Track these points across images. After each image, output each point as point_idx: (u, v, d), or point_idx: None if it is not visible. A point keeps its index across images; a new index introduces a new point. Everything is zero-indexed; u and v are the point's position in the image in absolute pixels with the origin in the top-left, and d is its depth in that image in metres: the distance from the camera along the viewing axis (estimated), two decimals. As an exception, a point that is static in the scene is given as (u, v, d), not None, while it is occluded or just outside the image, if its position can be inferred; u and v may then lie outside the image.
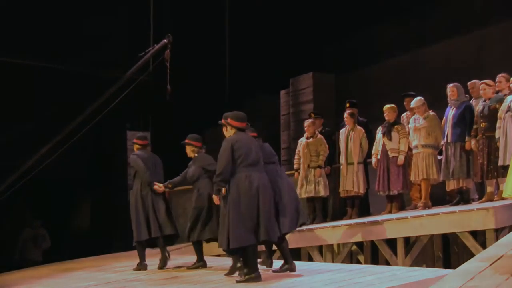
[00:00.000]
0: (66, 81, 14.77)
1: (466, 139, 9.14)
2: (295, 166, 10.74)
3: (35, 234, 14.47)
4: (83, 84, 14.55)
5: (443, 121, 9.49)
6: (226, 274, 7.40)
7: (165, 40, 11.87)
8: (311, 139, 10.58)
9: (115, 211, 15.01)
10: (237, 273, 7.07)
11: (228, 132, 6.95)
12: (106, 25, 15.04)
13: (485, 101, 9.03)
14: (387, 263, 8.99)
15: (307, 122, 10.72)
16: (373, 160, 10.09)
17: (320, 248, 9.83)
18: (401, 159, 9.76)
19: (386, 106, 10.05)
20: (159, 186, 8.59)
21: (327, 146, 10.58)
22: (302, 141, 10.69)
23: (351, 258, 10.06)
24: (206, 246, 8.57)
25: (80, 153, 14.23)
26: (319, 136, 10.65)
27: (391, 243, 9.07)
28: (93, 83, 14.18)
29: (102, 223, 15.72)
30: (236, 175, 6.68)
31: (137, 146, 8.97)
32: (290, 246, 9.78)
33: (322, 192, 10.42)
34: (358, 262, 10.03)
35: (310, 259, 9.89)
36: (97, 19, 14.94)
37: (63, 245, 15.01)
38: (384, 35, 12.70)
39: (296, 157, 10.76)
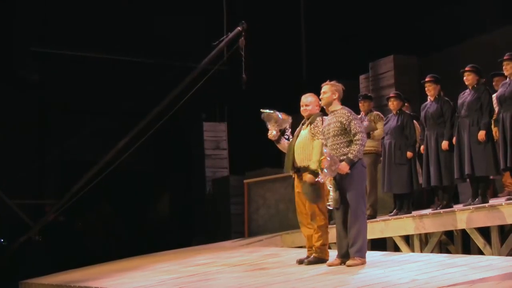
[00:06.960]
0: (142, 73, 14.78)
1: None
2: None
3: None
4: (158, 75, 14.52)
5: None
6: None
7: (239, 28, 11.61)
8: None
9: (193, 204, 14.89)
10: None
11: None
12: (179, 16, 14.95)
13: None
14: (481, 253, 8.42)
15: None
16: None
17: (406, 238, 9.34)
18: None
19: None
20: None
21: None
22: None
23: (441, 248, 9.52)
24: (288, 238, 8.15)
25: (156, 145, 14.21)
26: None
27: (484, 231, 8.47)
28: (168, 74, 14.12)
29: (181, 216, 15.65)
30: None
31: None
32: (375, 236, 9.38)
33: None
34: (448, 252, 9.49)
35: (396, 249, 9.41)
36: (169, 10, 14.87)
37: (142, 238, 15.01)
38: (471, 10, 11.95)
39: None
